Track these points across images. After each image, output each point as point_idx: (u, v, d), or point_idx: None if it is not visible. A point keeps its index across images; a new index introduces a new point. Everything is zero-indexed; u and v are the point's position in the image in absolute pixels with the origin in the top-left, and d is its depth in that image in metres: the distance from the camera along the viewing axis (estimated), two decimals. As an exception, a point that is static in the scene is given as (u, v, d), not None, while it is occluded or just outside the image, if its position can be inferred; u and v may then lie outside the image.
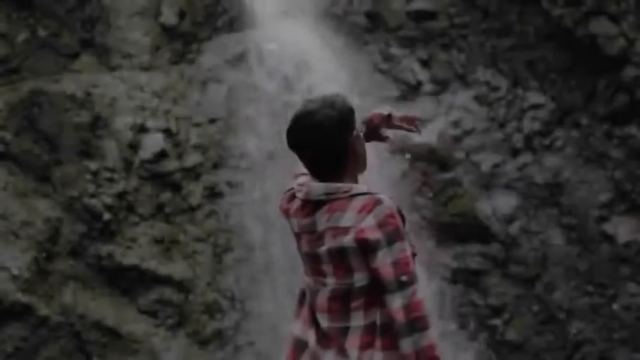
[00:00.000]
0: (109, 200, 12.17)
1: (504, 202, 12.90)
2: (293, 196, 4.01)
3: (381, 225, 3.77)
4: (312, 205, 3.89)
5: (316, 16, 13.48)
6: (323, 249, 3.85)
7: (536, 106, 13.16)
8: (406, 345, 3.71)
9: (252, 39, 13.26)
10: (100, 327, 11.86)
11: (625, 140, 12.94)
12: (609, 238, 12.77)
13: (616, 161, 12.93)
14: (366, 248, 3.76)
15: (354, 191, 3.83)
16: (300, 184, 3.99)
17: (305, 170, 4.08)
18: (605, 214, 12.85)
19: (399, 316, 3.72)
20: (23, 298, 11.59)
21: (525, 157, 13.05)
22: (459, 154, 13.05)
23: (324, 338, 3.88)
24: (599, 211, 12.86)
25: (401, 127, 4.38)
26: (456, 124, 13.12)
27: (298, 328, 3.98)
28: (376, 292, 3.79)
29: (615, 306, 12.59)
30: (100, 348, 11.84)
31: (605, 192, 12.89)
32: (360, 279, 3.81)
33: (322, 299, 3.88)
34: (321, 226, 3.85)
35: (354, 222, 3.78)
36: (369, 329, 3.81)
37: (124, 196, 12.26)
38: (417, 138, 13.06)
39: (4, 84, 12.37)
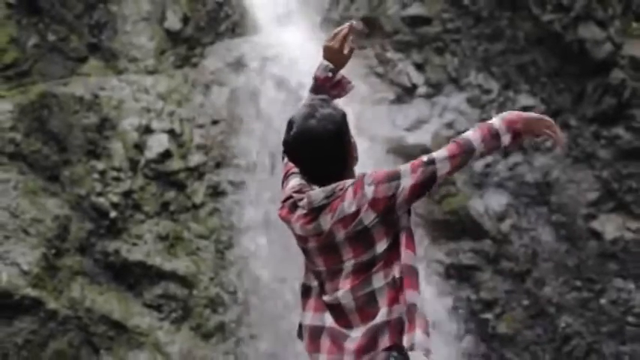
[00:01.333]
0: (115, 199, 12.16)
1: (496, 201, 12.85)
2: (294, 205, 3.97)
3: (378, 183, 3.79)
4: (314, 211, 3.89)
5: (315, 22, 13.44)
6: (336, 240, 3.85)
7: (526, 108, 12.74)
8: (478, 135, 3.88)
9: (253, 44, 13.23)
10: (106, 320, 11.80)
11: (612, 141, 12.95)
12: (597, 235, 12.76)
13: (604, 161, 12.93)
14: (390, 205, 3.78)
15: (346, 185, 3.86)
16: (297, 192, 3.99)
17: (295, 170, 4.10)
18: (593, 212, 12.85)
19: (458, 151, 3.81)
20: (33, 292, 11.47)
21: (516, 157, 13.03)
22: (453, 155, 13.10)
23: (342, 317, 3.86)
24: (587, 209, 12.85)
25: (349, 55, 4.33)
26: (449, 125, 13.04)
27: (309, 317, 3.96)
28: (394, 251, 3.82)
29: (603, 300, 12.59)
30: (107, 341, 11.78)
31: (593, 191, 12.88)
32: (381, 245, 3.82)
33: (343, 278, 3.86)
34: (327, 225, 3.85)
35: (357, 204, 3.79)
36: (391, 286, 3.80)
37: (130, 195, 12.24)
38: (411, 139, 13.35)
39: (14, 87, 12.27)
